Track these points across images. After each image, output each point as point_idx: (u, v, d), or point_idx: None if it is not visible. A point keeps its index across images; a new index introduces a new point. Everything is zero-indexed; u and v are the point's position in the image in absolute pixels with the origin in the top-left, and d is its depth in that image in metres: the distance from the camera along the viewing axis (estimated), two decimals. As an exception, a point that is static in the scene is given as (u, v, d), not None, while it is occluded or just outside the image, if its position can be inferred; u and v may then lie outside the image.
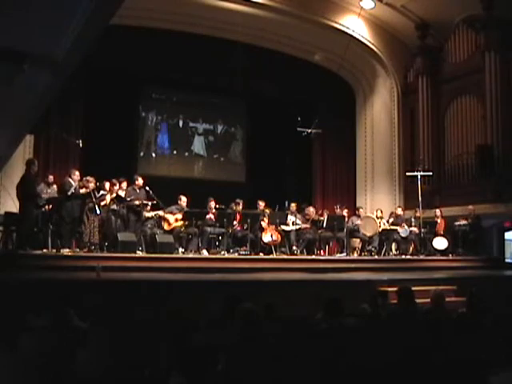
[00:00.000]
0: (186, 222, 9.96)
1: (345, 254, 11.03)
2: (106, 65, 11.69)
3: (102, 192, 9.36)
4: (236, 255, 9.88)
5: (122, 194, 9.58)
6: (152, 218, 9.94)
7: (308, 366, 3.21)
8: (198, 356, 3.49)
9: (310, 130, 12.63)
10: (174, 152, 14.22)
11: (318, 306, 4.62)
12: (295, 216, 11.02)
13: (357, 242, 11.59)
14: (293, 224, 10.87)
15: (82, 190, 8.96)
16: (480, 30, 12.29)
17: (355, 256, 11.20)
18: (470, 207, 11.65)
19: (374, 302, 5.39)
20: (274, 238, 10.35)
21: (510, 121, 11.74)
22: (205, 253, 9.72)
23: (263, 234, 10.35)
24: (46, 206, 9.05)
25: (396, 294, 4.97)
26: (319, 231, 11.07)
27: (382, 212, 11.89)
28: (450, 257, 11.46)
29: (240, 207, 10.70)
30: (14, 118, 6.42)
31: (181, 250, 9.71)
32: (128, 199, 9.52)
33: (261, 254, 10.13)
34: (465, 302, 4.86)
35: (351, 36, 13.10)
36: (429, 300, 4.93)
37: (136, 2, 10.05)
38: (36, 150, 11.32)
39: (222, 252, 9.89)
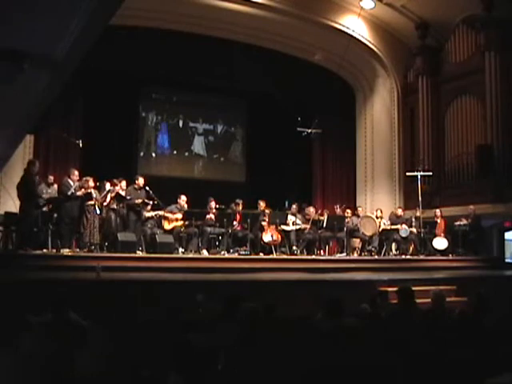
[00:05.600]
0: (186, 222, 9.97)
1: (345, 254, 11.03)
2: (105, 65, 11.68)
3: (109, 188, 9.35)
4: (236, 255, 9.88)
5: (122, 193, 9.58)
6: (152, 217, 9.94)
7: (308, 365, 3.21)
8: (198, 356, 3.49)
9: (310, 130, 12.64)
10: (174, 152, 14.22)
11: (318, 305, 4.62)
12: (295, 216, 11.02)
13: (357, 242, 11.59)
14: (293, 224, 10.86)
15: (80, 192, 8.93)
16: (480, 30, 12.27)
17: (355, 256, 11.19)
18: (471, 207, 11.63)
19: (374, 302, 5.40)
20: (274, 237, 10.35)
21: (510, 121, 11.73)
22: (205, 253, 9.72)
23: (263, 234, 10.35)
24: (46, 206, 9.05)
25: (396, 293, 4.97)
26: (319, 231, 11.07)
27: (381, 212, 11.89)
28: (450, 257, 11.45)
29: (240, 207, 10.70)
30: (14, 118, 6.41)
31: (181, 250, 9.71)
32: (128, 198, 9.52)
33: (261, 254, 10.14)
34: (465, 302, 4.86)
35: (351, 36, 13.09)
36: (429, 300, 4.93)
37: (136, 2, 10.04)
38: (36, 150, 11.33)
39: (222, 252, 9.89)
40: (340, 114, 14.83)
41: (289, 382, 3.14)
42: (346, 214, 11.72)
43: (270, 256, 10.02)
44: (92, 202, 8.97)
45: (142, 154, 13.76)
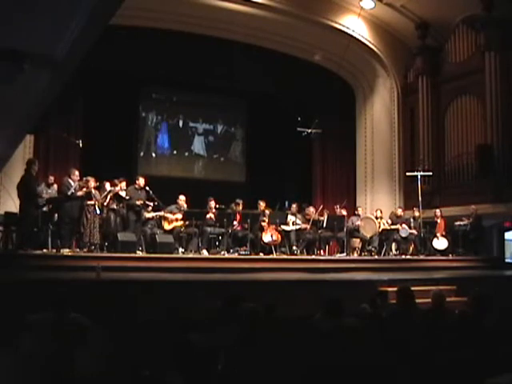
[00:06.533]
0: (186, 222, 9.97)
1: (345, 254, 11.03)
2: (105, 65, 11.69)
3: (110, 188, 9.34)
4: (236, 255, 9.88)
5: (122, 193, 9.58)
6: (152, 218, 9.94)
7: (308, 365, 3.21)
8: (198, 356, 3.50)
9: (310, 130, 12.65)
10: (174, 152, 14.23)
11: (318, 305, 4.62)
12: (295, 216, 11.02)
13: (357, 242, 11.58)
14: (293, 224, 10.86)
15: (80, 192, 8.94)
16: (480, 30, 12.27)
17: (355, 256, 11.19)
18: (473, 207, 11.61)
19: (374, 302, 5.40)
20: (274, 237, 10.34)
21: (510, 121, 11.73)
22: (205, 253, 9.72)
23: (263, 234, 10.35)
24: (46, 206, 9.05)
25: (396, 294, 4.97)
26: (319, 231, 11.07)
27: (381, 212, 11.89)
28: (450, 257, 11.45)
29: (240, 207, 10.70)
30: (14, 118, 6.41)
31: (181, 250, 9.71)
32: (128, 198, 9.52)
33: (261, 254, 10.13)
34: (465, 302, 4.85)
35: (351, 36, 13.09)
36: (429, 300, 4.92)
37: (136, 2, 10.04)
38: (36, 150, 11.33)
39: (222, 252, 9.89)
40: (340, 113, 14.83)
41: (289, 382, 3.14)
42: (343, 213, 11.70)
43: (270, 256, 10.01)
44: (92, 202, 8.98)
45: (141, 154, 13.77)
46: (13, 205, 9.12)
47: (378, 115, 14.41)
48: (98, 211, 8.96)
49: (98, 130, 12.02)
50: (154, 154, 13.97)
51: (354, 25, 13.03)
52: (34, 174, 8.65)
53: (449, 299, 6.01)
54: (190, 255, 9.45)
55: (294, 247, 10.63)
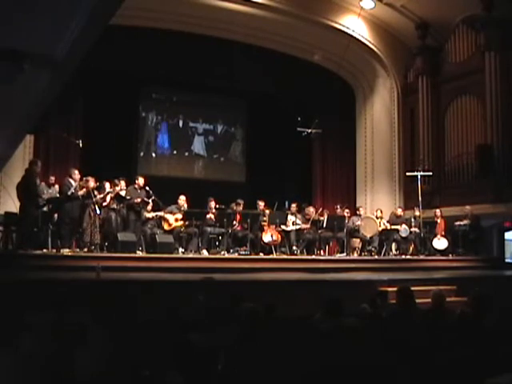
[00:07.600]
0: (186, 222, 9.97)
1: (345, 254, 11.03)
2: (105, 65, 11.69)
3: (107, 190, 9.34)
4: (236, 255, 9.88)
5: (122, 193, 9.58)
6: (152, 218, 9.94)
7: (308, 365, 3.21)
8: (198, 356, 3.50)
9: (310, 130, 12.64)
10: (174, 152, 14.22)
11: (318, 305, 4.62)
12: (295, 216, 11.02)
13: (357, 242, 11.59)
14: (293, 224, 10.86)
15: (81, 192, 8.94)
16: (480, 30, 12.27)
17: (355, 256, 11.19)
18: (467, 207, 11.65)
19: (374, 302, 5.40)
20: (274, 237, 10.34)
21: (510, 121, 11.73)
22: (205, 253, 9.72)
23: (263, 234, 10.35)
24: (46, 207, 9.05)
25: (396, 294, 4.97)
26: (319, 231, 11.07)
27: (381, 212, 11.89)
28: (450, 257, 11.45)
29: (241, 207, 10.70)
30: (14, 118, 6.42)
31: (181, 250, 9.71)
32: (128, 198, 9.53)
33: (261, 254, 10.14)
34: (465, 302, 4.85)
35: (351, 36, 13.09)
36: (429, 300, 4.92)
37: (136, 2, 10.04)
38: (36, 150, 11.33)
39: (222, 252, 9.89)
40: (340, 113, 14.83)
41: (289, 382, 3.14)
42: (345, 214, 11.71)
43: (270, 256, 10.01)
44: (92, 202, 8.96)
45: (141, 154, 13.76)
46: (13, 205, 9.12)
47: (378, 115, 14.41)
48: (98, 211, 8.96)
49: (98, 130, 12.02)
50: (154, 154, 13.97)
51: (354, 25, 13.02)
52: (36, 175, 8.65)
53: (449, 299, 6.01)
54: (190, 255, 9.45)
55: (294, 247, 10.63)
